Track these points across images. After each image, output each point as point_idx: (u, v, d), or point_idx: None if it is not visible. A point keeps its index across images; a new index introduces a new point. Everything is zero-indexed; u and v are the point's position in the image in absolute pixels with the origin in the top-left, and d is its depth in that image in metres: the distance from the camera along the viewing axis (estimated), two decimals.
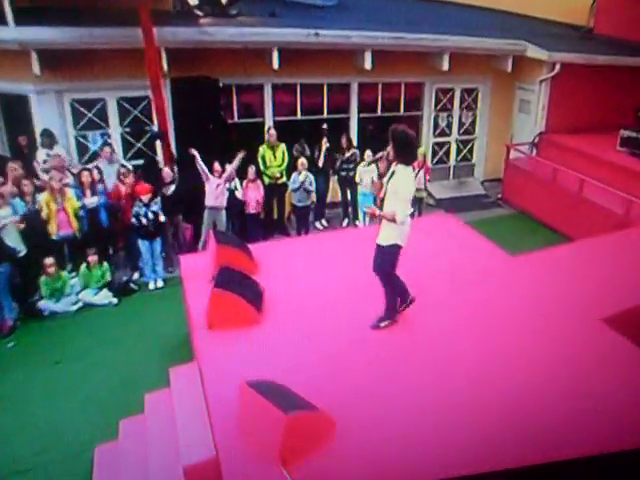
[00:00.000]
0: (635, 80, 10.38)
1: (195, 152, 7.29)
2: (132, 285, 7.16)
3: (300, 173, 8.17)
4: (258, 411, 3.24)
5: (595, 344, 4.32)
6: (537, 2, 12.70)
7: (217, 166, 7.48)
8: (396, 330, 4.47)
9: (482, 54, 9.96)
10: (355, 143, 9.18)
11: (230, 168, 7.54)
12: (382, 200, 4.15)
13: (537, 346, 4.26)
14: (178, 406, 3.88)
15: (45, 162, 7.27)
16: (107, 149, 7.62)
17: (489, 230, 6.98)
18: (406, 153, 4.05)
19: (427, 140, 10.56)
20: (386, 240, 4.17)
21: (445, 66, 9.53)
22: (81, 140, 8.11)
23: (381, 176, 4.47)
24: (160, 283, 7.21)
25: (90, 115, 8.05)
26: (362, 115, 9.79)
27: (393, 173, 4.08)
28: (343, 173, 8.77)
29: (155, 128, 8.00)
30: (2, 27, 6.90)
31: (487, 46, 9.80)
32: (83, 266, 6.71)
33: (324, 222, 9.16)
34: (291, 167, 8.37)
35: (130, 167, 7.59)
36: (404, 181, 4.03)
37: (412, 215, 4.39)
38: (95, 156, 7.93)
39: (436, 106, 10.53)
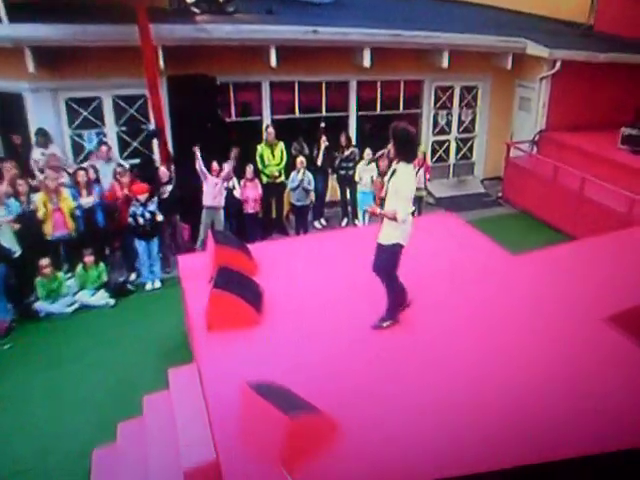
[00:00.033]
0: (636, 78, 10.34)
1: (198, 151, 7.24)
2: (129, 286, 7.10)
3: (299, 172, 8.11)
4: (259, 412, 3.22)
5: (595, 344, 4.30)
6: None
7: (215, 165, 7.43)
8: (396, 330, 4.45)
9: (482, 51, 9.90)
10: (354, 141, 9.13)
11: (227, 167, 7.50)
12: (383, 199, 4.11)
13: (537, 346, 4.24)
14: (178, 407, 3.86)
15: (37, 162, 7.22)
16: (103, 148, 7.57)
17: (489, 229, 6.93)
18: (407, 151, 4.02)
19: (427, 138, 10.52)
20: (387, 239, 4.14)
21: (445, 64, 9.48)
22: (76, 139, 8.05)
23: (381, 175, 4.43)
24: (157, 284, 7.16)
25: (85, 114, 7.99)
26: (361, 113, 9.73)
27: (394, 171, 4.05)
28: (342, 172, 8.72)
29: (151, 127, 7.95)
30: None
31: (487, 43, 9.73)
32: (79, 267, 6.66)
33: (323, 221, 9.11)
34: (290, 166, 8.33)
35: (127, 166, 7.55)
36: (405, 179, 4.00)
37: (412, 214, 4.35)
38: (90, 155, 7.86)
39: (436, 104, 10.48)
